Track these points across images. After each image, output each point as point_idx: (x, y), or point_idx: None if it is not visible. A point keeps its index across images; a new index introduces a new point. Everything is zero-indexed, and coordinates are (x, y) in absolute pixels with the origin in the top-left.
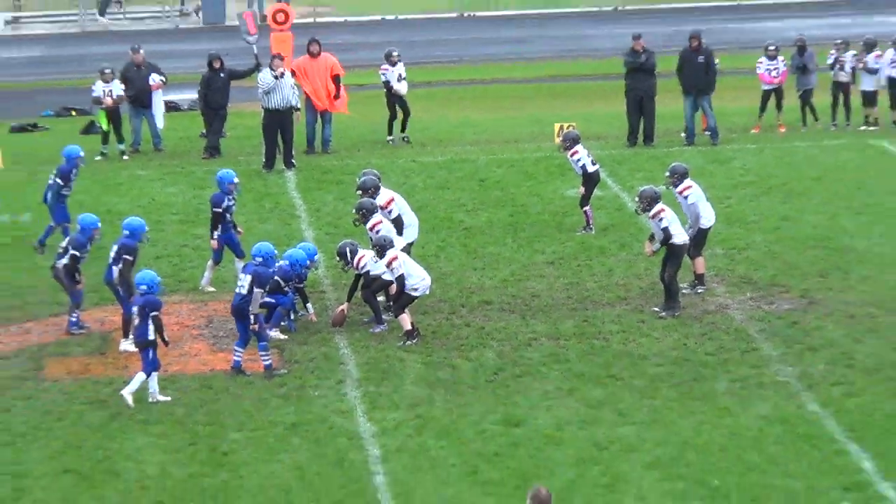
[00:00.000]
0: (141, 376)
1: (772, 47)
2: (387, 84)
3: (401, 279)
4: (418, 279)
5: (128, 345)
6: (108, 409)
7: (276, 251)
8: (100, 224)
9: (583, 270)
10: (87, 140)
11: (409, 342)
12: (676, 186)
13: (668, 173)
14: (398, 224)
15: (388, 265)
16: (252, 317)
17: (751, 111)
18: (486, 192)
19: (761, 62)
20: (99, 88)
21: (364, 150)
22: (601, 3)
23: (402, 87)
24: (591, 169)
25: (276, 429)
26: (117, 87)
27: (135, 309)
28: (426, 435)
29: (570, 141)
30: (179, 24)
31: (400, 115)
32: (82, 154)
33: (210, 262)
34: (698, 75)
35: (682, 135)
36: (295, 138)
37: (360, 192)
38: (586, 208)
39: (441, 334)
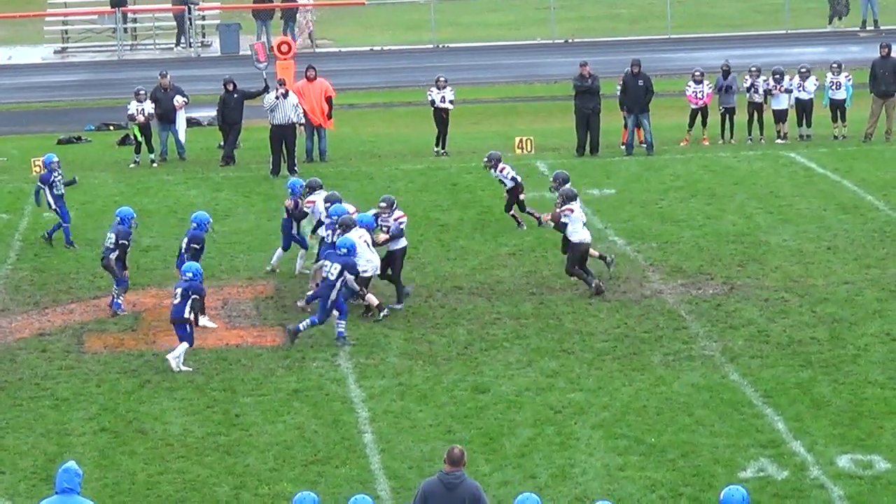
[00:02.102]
0: (184, 346)
1: (698, 73)
2: (432, 103)
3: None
4: (365, 261)
5: (205, 321)
6: (139, 378)
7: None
8: (136, 215)
9: (539, 261)
10: (122, 150)
11: (381, 314)
12: (558, 191)
13: (551, 179)
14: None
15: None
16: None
17: (680, 127)
18: (457, 195)
19: (689, 86)
20: (133, 107)
21: (355, 159)
22: (554, 36)
23: (446, 105)
24: (519, 178)
25: (280, 394)
26: (148, 106)
27: (178, 290)
28: (407, 399)
29: (495, 160)
30: (201, 53)
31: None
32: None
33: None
34: (639, 96)
35: (622, 146)
36: (297, 149)
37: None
38: (529, 209)
39: (420, 314)
